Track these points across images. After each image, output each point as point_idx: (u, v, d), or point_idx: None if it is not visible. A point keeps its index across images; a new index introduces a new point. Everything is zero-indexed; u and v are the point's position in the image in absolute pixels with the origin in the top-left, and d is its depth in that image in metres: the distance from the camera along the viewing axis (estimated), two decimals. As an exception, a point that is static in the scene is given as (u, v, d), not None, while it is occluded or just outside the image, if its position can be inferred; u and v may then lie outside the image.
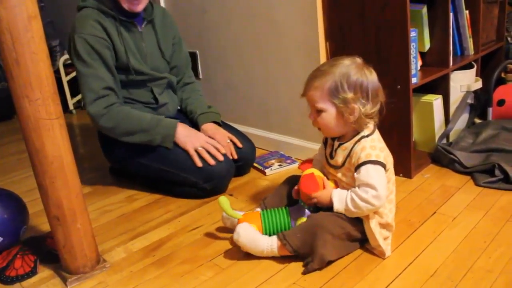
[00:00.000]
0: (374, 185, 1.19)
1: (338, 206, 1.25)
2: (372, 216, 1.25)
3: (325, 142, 1.39)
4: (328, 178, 1.34)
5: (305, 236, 1.24)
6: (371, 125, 1.27)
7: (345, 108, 1.21)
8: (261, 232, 1.34)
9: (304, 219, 1.33)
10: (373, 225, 1.25)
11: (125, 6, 1.70)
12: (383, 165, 1.22)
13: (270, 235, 1.33)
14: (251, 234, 1.30)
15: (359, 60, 1.25)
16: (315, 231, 1.23)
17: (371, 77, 1.23)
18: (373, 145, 1.24)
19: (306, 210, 1.37)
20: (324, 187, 1.29)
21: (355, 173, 1.23)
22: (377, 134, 1.28)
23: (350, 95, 1.20)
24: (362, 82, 1.21)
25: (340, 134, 1.29)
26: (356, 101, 1.21)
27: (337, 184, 1.32)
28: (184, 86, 2.02)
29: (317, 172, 1.32)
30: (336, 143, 1.30)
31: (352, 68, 1.21)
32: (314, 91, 1.24)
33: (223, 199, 1.40)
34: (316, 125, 1.30)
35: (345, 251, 1.29)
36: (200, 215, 1.65)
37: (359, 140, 1.25)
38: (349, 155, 1.26)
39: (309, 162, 1.44)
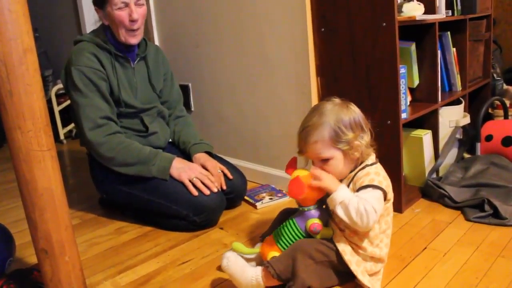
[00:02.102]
0: (374, 205, 1.18)
1: (342, 194, 1.20)
2: (352, 255, 1.25)
3: None
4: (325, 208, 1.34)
5: (288, 261, 1.23)
6: (373, 156, 1.31)
7: (350, 148, 1.24)
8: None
9: (314, 220, 1.28)
10: (354, 267, 1.25)
11: (122, 37, 1.74)
12: (384, 192, 1.23)
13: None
14: (240, 264, 1.28)
15: (337, 100, 1.30)
16: (297, 255, 1.22)
17: (357, 110, 1.28)
18: (377, 172, 1.26)
19: (313, 211, 1.31)
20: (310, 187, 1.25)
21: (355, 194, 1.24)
22: (379, 165, 1.31)
23: (351, 135, 1.23)
24: (354, 119, 1.25)
25: (348, 173, 1.30)
26: (357, 138, 1.24)
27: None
28: (176, 119, 2.04)
29: (302, 173, 1.29)
30: None
31: (340, 110, 1.25)
32: (314, 145, 1.25)
33: (236, 244, 1.39)
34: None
35: (329, 281, 1.28)
36: (189, 248, 1.63)
37: (363, 168, 1.28)
38: (351, 181, 1.27)
39: (293, 163, 1.37)
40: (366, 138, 1.26)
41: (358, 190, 1.24)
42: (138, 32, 1.76)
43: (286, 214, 1.44)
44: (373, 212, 1.17)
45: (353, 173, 1.28)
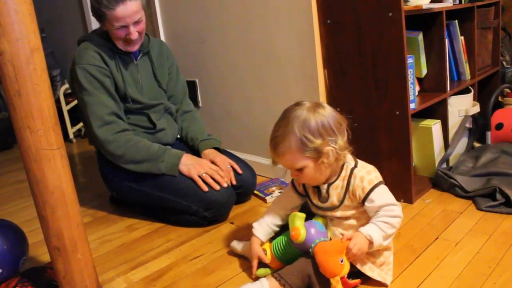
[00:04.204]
0: (392, 202, 1.21)
1: (377, 238, 1.18)
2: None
3: (299, 191, 1.37)
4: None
5: (303, 274, 1.22)
6: (349, 155, 1.26)
7: (321, 155, 1.18)
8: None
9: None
10: (359, 265, 1.24)
11: (120, 47, 1.74)
12: (383, 182, 1.24)
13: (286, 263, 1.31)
14: None
15: (307, 103, 1.22)
16: (312, 269, 1.21)
17: (327, 113, 1.20)
18: (368, 170, 1.24)
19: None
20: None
21: (366, 203, 1.22)
22: (360, 161, 1.28)
23: (319, 141, 1.17)
24: (322, 123, 1.18)
25: (326, 178, 1.26)
26: (327, 143, 1.18)
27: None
28: (184, 114, 2.04)
29: (344, 270, 1.18)
30: (324, 186, 1.27)
31: (306, 116, 1.18)
32: (283, 156, 1.21)
33: (261, 271, 1.36)
34: (301, 181, 1.29)
35: None
36: (200, 244, 1.63)
37: (351, 173, 1.24)
38: (347, 190, 1.24)
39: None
40: (340, 141, 1.19)
41: (364, 199, 1.21)
42: (136, 42, 1.74)
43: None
44: (396, 208, 1.21)
45: (341, 182, 1.24)
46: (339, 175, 1.25)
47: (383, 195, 1.21)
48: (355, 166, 1.25)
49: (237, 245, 1.49)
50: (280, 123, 1.23)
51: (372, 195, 1.21)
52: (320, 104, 1.22)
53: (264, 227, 1.39)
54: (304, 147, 1.17)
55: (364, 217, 1.26)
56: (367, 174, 1.23)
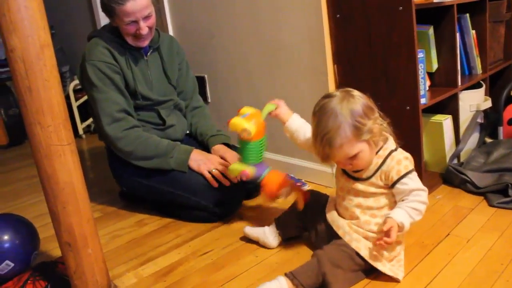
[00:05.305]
0: (422, 188, 1.24)
1: (407, 225, 1.20)
2: (366, 249, 1.25)
3: None
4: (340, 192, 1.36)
5: (317, 274, 1.22)
6: (391, 138, 1.29)
7: (373, 135, 1.21)
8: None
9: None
10: (372, 261, 1.25)
11: (130, 42, 1.74)
12: (415, 171, 1.26)
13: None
14: None
15: (337, 93, 1.22)
16: (326, 268, 1.21)
17: (360, 94, 1.23)
18: (406, 156, 1.26)
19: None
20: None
21: (397, 185, 1.24)
22: (400, 148, 1.30)
23: (370, 122, 1.19)
24: (364, 104, 1.20)
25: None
26: (375, 121, 1.21)
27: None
28: (193, 110, 2.03)
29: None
30: None
31: (348, 103, 1.19)
32: (341, 148, 1.19)
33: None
34: (354, 168, 1.27)
35: (357, 280, 1.28)
36: (210, 239, 1.64)
37: (389, 154, 1.26)
38: (379, 168, 1.26)
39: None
40: (379, 117, 1.24)
41: (397, 181, 1.23)
42: (147, 37, 1.74)
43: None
44: (424, 193, 1.24)
45: (376, 158, 1.26)
46: (377, 152, 1.27)
47: (415, 180, 1.24)
48: (395, 149, 1.27)
49: (251, 231, 1.54)
50: (324, 120, 1.20)
51: (405, 179, 1.23)
52: (347, 89, 1.24)
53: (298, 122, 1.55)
54: (359, 132, 1.18)
55: (383, 201, 1.28)
56: (404, 159, 1.25)
